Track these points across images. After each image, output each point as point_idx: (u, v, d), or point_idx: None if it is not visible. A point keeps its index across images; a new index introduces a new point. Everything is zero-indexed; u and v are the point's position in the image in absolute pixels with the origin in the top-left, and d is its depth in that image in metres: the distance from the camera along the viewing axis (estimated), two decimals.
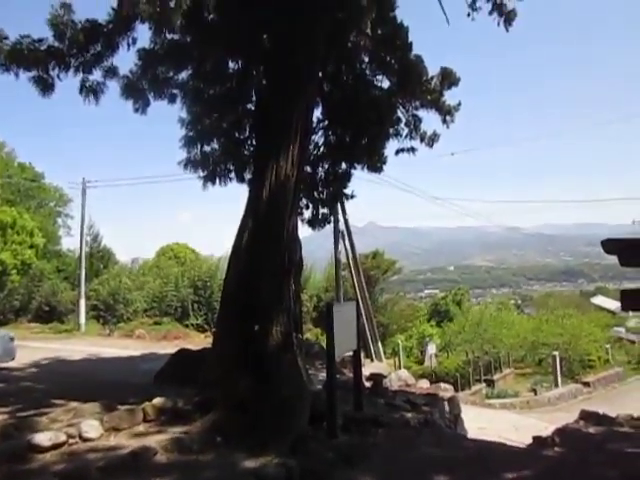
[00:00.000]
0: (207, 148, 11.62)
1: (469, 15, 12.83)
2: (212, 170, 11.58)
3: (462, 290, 52.64)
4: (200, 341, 22.22)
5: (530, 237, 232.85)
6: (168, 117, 13.28)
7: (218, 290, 25.56)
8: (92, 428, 6.05)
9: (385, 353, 26.94)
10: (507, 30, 12.65)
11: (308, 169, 11.96)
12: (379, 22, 12.01)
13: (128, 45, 9.06)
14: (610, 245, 5.05)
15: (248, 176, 11.12)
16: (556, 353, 28.46)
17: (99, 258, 35.08)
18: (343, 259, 24.74)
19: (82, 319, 27.75)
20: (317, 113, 12.07)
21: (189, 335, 26.31)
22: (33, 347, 18.28)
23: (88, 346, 20.34)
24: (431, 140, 13.27)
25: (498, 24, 12.66)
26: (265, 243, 7.84)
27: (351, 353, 8.79)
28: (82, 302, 28.03)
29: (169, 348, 16.91)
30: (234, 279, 8.13)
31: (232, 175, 11.77)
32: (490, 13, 12.63)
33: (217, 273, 30.33)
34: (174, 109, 11.41)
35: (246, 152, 11.57)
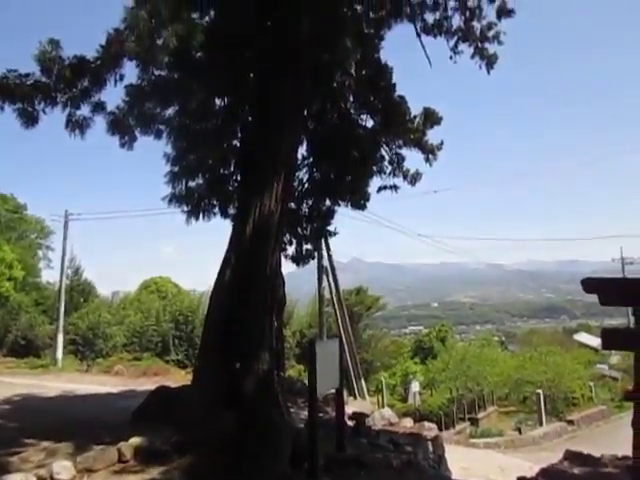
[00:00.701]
0: (192, 183, 11.65)
1: (451, 58, 13.32)
2: (196, 205, 11.58)
3: (446, 327, 52.39)
4: (180, 378, 21.74)
5: (512, 274, 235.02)
6: (152, 150, 13.36)
7: (200, 325, 25.22)
8: (64, 469, 5.84)
9: (368, 391, 26.59)
10: (488, 73, 13.13)
11: (292, 205, 12.03)
12: (364, 63, 12.33)
13: (115, 81, 9.21)
14: (589, 284, 5.09)
15: (232, 211, 11.15)
16: (540, 391, 28.35)
17: (79, 291, 34.49)
18: (327, 295, 24.65)
19: (59, 354, 27.07)
20: (302, 150, 12.25)
21: (169, 371, 25.75)
22: (7, 383, 17.71)
23: (64, 382, 19.77)
24: (414, 178, 13.48)
25: (480, 67, 13.14)
26: (248, 280, 7.81)
27: (334, 391, 8.67)
28: (60, 336, 27.40)
29: (148, 385, 16.49)
30: (216, 316, 8.06)
31: (216, 210, 11.77)
32: (472, 57, 13.12)
33: (199, 308, 29.99)
34: (159, 144, 11.47)
35: (230, 188, 11.62)
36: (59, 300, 28.68)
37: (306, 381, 8.63)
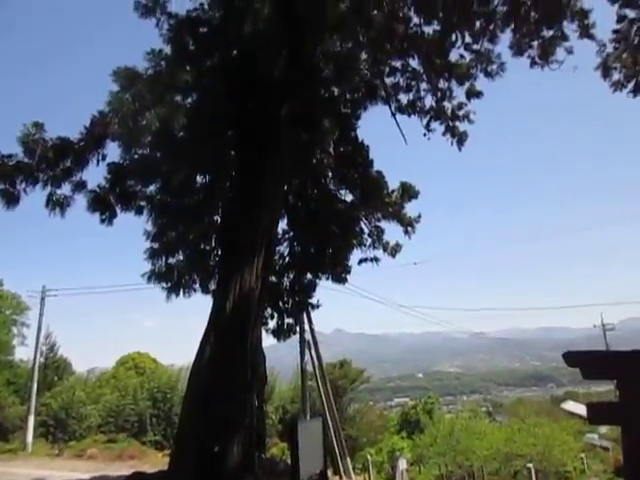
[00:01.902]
0: (172, 260, 11.64)
1: (425, 135, 13.90)
2: (177, 282, 11.52)
3: (432, 398, 51.29)
4: (157, 461, 20.71)
5: (496, 342, 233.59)
6: (131, 227, 13.39)
7: (179, 402, 24.35)
8: None
9: (354, 469, 25.52)
10: (459, 149, 13.71)
11: (273, 279, 12.04)
12: (341, 141, 12.80)
13: (98, 161, 9.40)
14: (571, 358, 5.08)
15: (213, 287, 11.10)
16: (531, 465, 27.51)
17: (54, 369, 33.27)
18: (310, 368, 24.15)
19: (29, 437, 25.69)
20: (282, 224, 12.43)
21: (146, 454, 24.53)
22: None
23: (33, 468, 18.71)
24: (394, 250, 13.67)
25: (452, 144, 13.72)
26: (227, 357, 7.67)
27: (318, 472, 8.35)
28: (31, 418, 26.11)
29: (123, 470, 15.70)
30: (194, 395, 7.83)
31: (197, 286, 11.72)
32: (444, 134, 13.73)
33: (178, 384, 29.06)
34: (140, 220, 11.51)
35: (211, 263, 11.64)
36: (32, 379, 27.60)
37: (289, 461, 8.33)
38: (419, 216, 13.66)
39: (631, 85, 12.54)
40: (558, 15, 11.74)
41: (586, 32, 11.98)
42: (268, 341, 12.32)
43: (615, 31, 12.14)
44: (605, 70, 12.54)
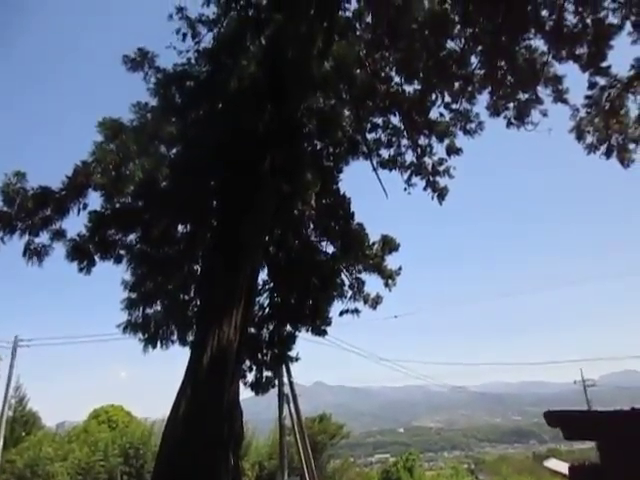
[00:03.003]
0: (149, 310, 11.41)
1: (406, 189, 14.21)
2: (154, 333, 11.27)
3: (413, 455, 50.09)
4: None
5: (477, 396, 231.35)
6: (110, 276, 13.17)
7: (152, 458, 23.43)
8: None
9: None
10: (440, 204, 14.02)
11: (252, 330, 11.88)
12: (323, 194, 12.96)
13: (79, 210, 9.34)
14: (552, 417, 5.08)
15: (191, 338, 10.89)
16: None
17: (22, 423, 31.93)
18: (289, 423, 23.55)
19: None
20: (263, 275, 12.37)
21: None
22: None
23: None
24: (374, 302, 13.65)
25: (432, 198, 14.01)
26: (203, 412, 7.44)
27: None
28: None
29: None
30: (168, 452, 7.53)
31: (174, 337, 11.47)
32: (424, 189, 14.05)
33: (151, 439, 28.06)
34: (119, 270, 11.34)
35: (190, 313, 11.46)
36: None
37: None
38: (400, 269, 13.73)
39: (603, 148, 13.07)
40: (533, 80, 12.31)
41: (560, 97, 12.55)
42: (246, 394, 12.03)
43: (587, 97, 12.75)
44: (579, 133, 13.09)
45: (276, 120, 9.99)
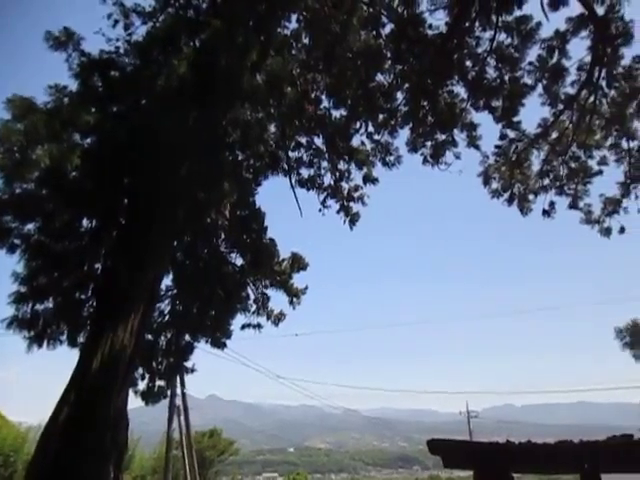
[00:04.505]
0: (40, 306, 10.61)
1: (320, 210, 14.43)
2: (41, 331, 10.47)
3: (301, 475, 50.09)
4: None
5: (369, 420, 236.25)
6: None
7: (23, 468, 21.64)
8: None
9: None
10: (351, 229, 14.35)
11: (149, 337, 11.45)
12: (239, 205, 12.87)
13: None
14: (434, 446, 5.30)
15: (82, 340, 10.27)
16: None
17: None
18: (178, 436, 22.77)
19: None
20: (167, 280, 11.99)
21: None
22: None
23: None
24: (277, 319, 13.66)
25: (344, 222, 14.32)
26: (86, 421, 7.00)
27: None
28: None
29: None
30: (41, 463, 6.99)
31: (64, 338, 10.73)
32: (338, 212, 14.34)
33: (24, 446, 25.88)
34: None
35: (84, 314, 10.80)
36: None
37: None
38: (306, 288, 13.86)
39: (506, 195, 14.05)
40: (451, 123, 13.01)
41: (473, 142, 13.38)
42: (135, 403, 11.51)
43: (497, 146, 13.70)
44: (486, 178, 14.01)
45: (200, 125, 9.82)
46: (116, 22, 11.39)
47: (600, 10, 11.19)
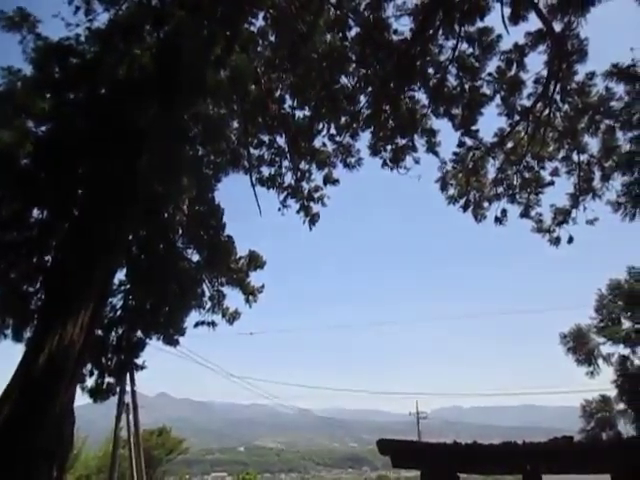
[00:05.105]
0: None
1: (280, 210, 14.40)
2: None
3: (251, 475, 49.75)
4: None
5: (320, 420, 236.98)
6: None
7: None
8: None
9: None
10: (310, 229, 14.36)
11: (100, 332, 11.15)
12: (197, 201, 12.70)
13: None
14: (384, 445, 5.37)
15: (28, 335, 9.91)
16: None
17: None
18: (125, 434, 22.23)
19: None
20: (120, 275, 11.70)
21: None
22: None
23: None
24: (232, 317, 13.56)
25: (304, 222, 14.33)
26: (30, 419, 6.74)
27: None
28: None
29: None
30: None
31: (8, 332, 10.33)
32: (298, 212, 14.33)
33: None
34: None
35: (32, 307, 10.42)
36: None
37: None
38: (262, 286, 13.81)
39: (462, 201, 14.36)
40: (411, 128, 13.21)
41: (432, 148, 13.62)
42: (82, 400, 11.18)
43: (455, 153, 13.99)
44: (443, 184, 14.27)
45: (161, 118, 9.63)
46: (78, 8, 11.01)
47: (558, 27, 11.62)
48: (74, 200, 10.07)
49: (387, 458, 6.33)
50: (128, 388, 20.65)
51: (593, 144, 13.14)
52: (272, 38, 12.84)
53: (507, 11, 11.47)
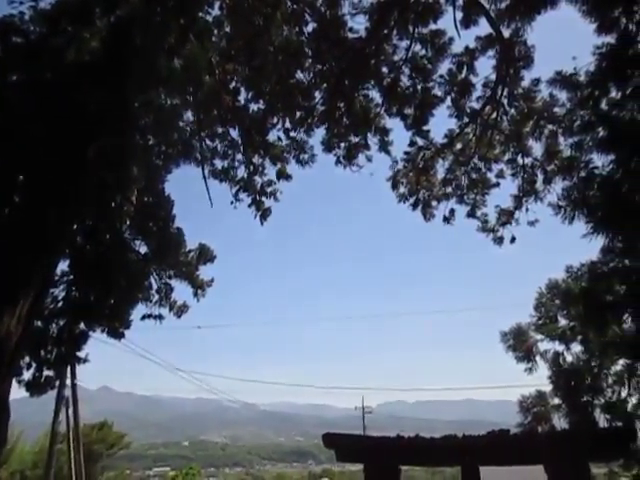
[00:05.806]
0: None
1: (232, 203, 14.29)
2: None
3: (194, 469, 49.10)
4: None
5: (266, 414, 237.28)
6: None
7: None
8: None
9: None
10: (262, 224, 14.34)
11: (39, 324, 10.77)
12: (146, 191, 12.43)
13: None
14: (329, 440, 5.45)
15: None
16: None
17: None
18: (64, 429, 21.60)
19: None
20: (63, 265, 11.33)
21: None
22: None
23: None
24: (180, 310, 13.35)
25: (255, 217, 14.28)
26: None
27: None
28: None
29: None
30: None
31: None
32: (249, 206, 14.28)
33: None
34: None
35: None
36: None
37: None
38: (212, 280, 13.68)
39: (412, 200, 14.68)
40: (364, 126, 13.38)
41: (384, 147, 13.86)
42: (18, 394, 10.77)
43: (406, 152, 14.28)
44: (394, 183, 14.54)
45: (110, 105, 9.35)
46: None
47: (506, 33, 12.03)
48: (15, 186, 9.66)
49: (332, 452, 6.44)
50: (68, 381, 20.06)
51: (537, 148, 13.69)
52: (228, 29, 12.70)
53: (459, 15, 11.82)
